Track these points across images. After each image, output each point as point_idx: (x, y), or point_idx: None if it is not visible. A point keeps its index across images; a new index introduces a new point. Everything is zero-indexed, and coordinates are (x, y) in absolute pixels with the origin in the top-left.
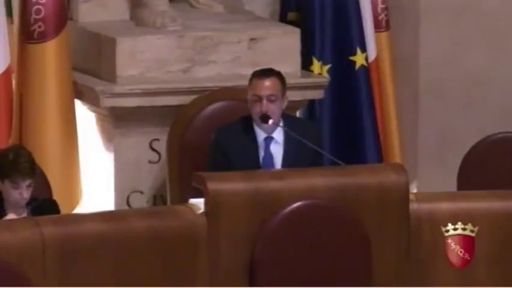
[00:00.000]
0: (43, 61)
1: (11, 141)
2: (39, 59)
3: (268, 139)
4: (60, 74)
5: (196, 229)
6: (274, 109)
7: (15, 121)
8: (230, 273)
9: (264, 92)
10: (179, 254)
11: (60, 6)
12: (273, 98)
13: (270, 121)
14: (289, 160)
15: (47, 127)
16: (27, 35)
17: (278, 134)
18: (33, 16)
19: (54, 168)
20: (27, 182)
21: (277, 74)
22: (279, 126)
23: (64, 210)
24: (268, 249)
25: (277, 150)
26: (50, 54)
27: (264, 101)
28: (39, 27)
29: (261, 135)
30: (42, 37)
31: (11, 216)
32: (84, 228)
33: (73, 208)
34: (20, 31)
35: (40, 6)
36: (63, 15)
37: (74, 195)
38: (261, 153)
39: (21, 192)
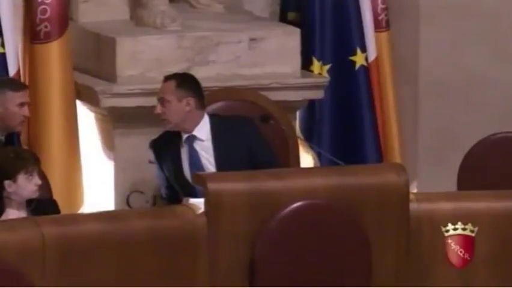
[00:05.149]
0: (49, 61)
1: None
2: (45, 59)
3: (191, 137)
4: (64, 74)
5: (196, 229)
6: (164, 111)
7: None
8: (230, 273)
9: (158, 95)
10: (179, 254)
11: (64, 6)
12: (163, 101)
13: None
14: (222, 156)
15: (51, 128)
16: (33, 35)
17: (200, 132)
18: (39, 16)
19: (57, 171)
20: (37, 169)
21: (176, 78)
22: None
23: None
24: (268, 249)
25: (201, 148)
26: (55, 54)
27: (157, 103)
28: (46, 27)
29: (184, 135)
30: (48, 37)
31: (10, 212)
32: (84, 228)
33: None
34: (25, 31)
35: (46, 6)
36: (66, 15)
37: (75, 200)
38: (184, 151)
39: (36, 181)
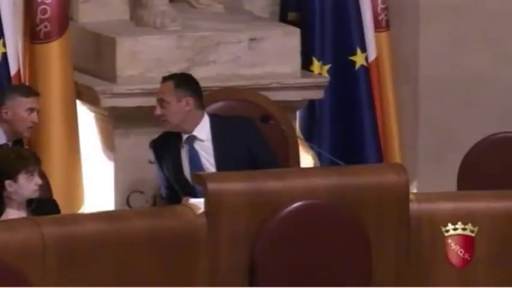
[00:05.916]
0: (49, 61)
1: None
2: (45, 59)
3: (191, 137)
4: (64, 74)
5: (196, 229)
6: (164, 112)
7: None
8: (230, 273)
9: (157, 96)
10: (179, 254)
11: (64, 6)
12: (162, 102)
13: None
14: (222, 157)
15: (51, 128)
16: (33, 35)
17: (200, 132)
18: (39, 16)
19: (57, 171)
20: (38, 169)
21: (174, 79)
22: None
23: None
24: (268, 249)
25: (201, 148)
26: (55, 54)
27: (157, 104)
28: (46, 27)
29: (184, 135)
30: (48, 37)
31: (10, 211)
32: (84, 228)
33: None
34: (25, 31)
35: (46, 6)
36: (67, 15)
37: (75, 200)
38: (185, 151)
39: (36, 181)
